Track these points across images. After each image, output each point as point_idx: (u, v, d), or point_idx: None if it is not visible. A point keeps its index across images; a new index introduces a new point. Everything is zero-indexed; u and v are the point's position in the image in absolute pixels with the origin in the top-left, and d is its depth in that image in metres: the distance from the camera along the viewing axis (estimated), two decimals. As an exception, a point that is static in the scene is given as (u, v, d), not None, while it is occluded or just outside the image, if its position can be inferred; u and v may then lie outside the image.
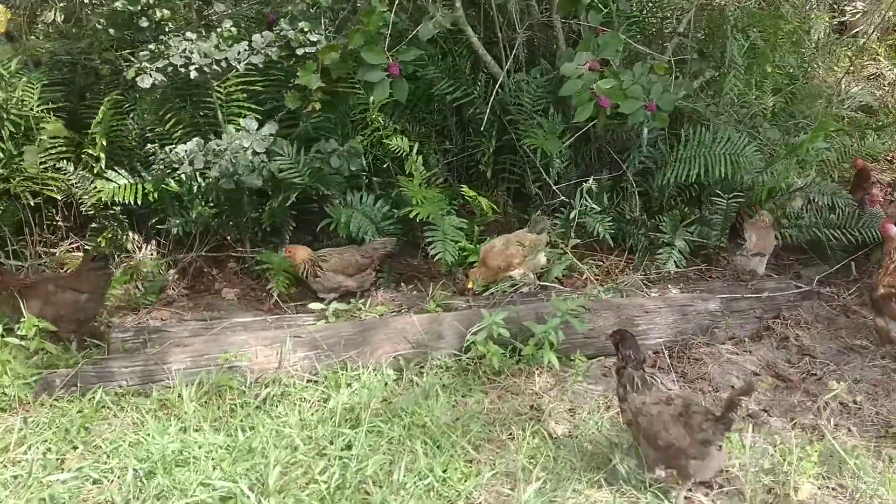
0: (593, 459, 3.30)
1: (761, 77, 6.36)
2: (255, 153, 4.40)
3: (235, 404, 3.65)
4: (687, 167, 5.54)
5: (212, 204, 4.87)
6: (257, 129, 4.53)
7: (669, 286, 5.20)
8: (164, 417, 3.56)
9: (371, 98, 5.08)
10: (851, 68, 8.09)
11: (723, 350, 4.41)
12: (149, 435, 3.38)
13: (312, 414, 3.57)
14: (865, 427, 3.73)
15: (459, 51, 5.77)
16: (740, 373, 4.22)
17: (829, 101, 7.70)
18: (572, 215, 5.04)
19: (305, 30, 4.40)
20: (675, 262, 5.45)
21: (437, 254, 4.85)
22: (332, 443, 3.35)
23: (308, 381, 3.89)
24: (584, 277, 4.93)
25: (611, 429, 3.55)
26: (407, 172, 5.34)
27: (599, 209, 5.55)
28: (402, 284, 5.28)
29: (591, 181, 5.04)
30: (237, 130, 4.46)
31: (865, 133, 7.08)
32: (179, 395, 3.63)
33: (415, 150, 5.34)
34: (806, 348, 4.51)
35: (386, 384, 3.85)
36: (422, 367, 4.00)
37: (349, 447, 3.32)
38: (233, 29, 4.34)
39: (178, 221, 4.77)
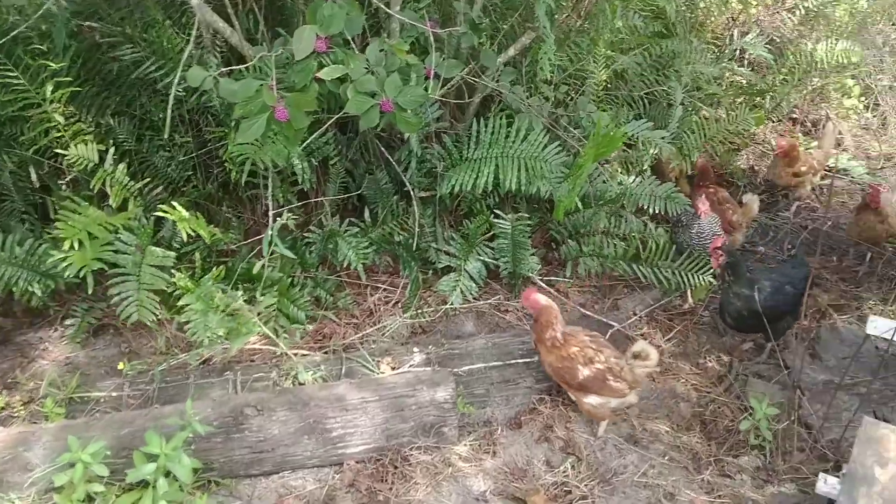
0: None
1: (595, 40, 5.00)
2: None
3: None
4: (474, 173, 4.27)
5: None
6: None
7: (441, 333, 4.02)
8: None
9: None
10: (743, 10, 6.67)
11: (454, 456, 3.26)
12: None
13: None
14: None
15: (178, 18, 4.35)
16: (462, 496, 3.09)
17: (717, 57, 6.38)
18: (257, 268, 3.73)
19: None
20: (462, 292, 4.27)
21: (129, 315, 3.59)
22: None
23: None
24: (279, 354, 3.65)
25: None
26: (95, 190, 4.03)
27: (356, 231, 4.30)
28: (93, 336, 4.05)
29: (284, 215, 3.72)
30: None
31: (737, 104, 5.78)
32: None
33: (109, 159, 4.03)
34: (572, 443, 3.37)
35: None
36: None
37: None
38: None
39: None
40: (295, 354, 3.70)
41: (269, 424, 3.08)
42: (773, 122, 6.65)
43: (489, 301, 4.38)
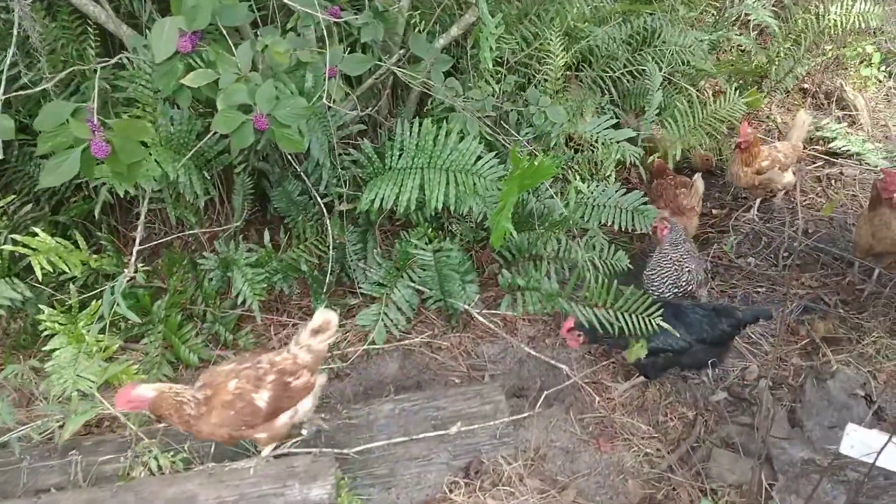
0: None
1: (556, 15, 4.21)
2: None
3: None
4: (396, 186, 3.57)
5: None
6: None
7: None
8: None
9: None
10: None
11: (335, 567, 2.65)
12: None
13: None
14: None
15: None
16: None
17: (715, 22, 5.53)
18: (94, 332, 3.05)
19: None
20: (386, 327, 3.62)
21: None
22: None
23: None
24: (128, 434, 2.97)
25: None
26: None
27: (255, 259, 3.63)
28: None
29: (132, 267, 3.02)
30: None
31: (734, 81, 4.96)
32: None
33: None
34: (486, 544, 2.75)
35: None
36: None
37: None
38: None
39: None
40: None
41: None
42: (777, 95, 5.79)
43: (420, 337, 3.72)
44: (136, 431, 2.86)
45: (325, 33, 3.12)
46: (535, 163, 2.84)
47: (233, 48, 2.98)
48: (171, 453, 2.84)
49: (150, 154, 3.32)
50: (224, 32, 3.00)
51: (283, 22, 3.67)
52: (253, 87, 2.87)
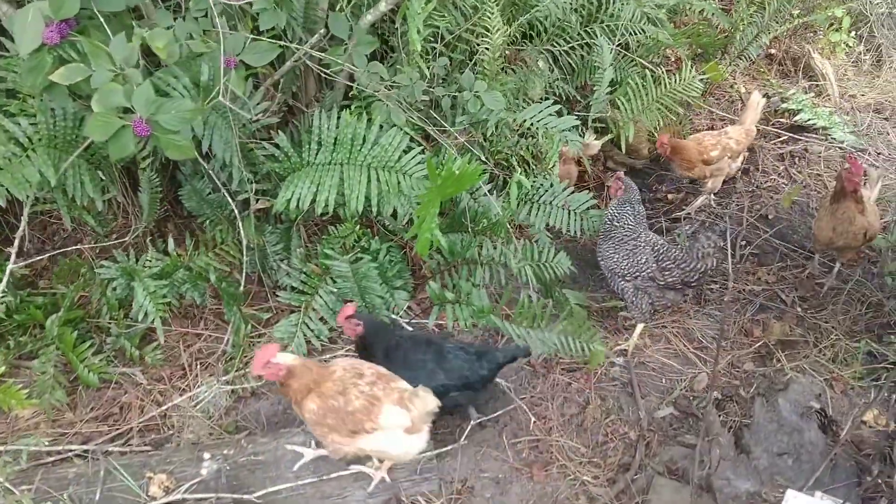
0: None
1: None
2: None
3: None
4: (314, 184, 3.23)
5: None
6: None
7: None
8: None
9: None
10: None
11: None
12: None
13: None
14: None
15: None
16: None
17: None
18: None
19: None
20: (306, 337, 3.32)
21: None
22: None
23: None
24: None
25: None
26: None
27: (158, 269, 3.28)
28: None
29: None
30: None
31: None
32: None
33: None
34: None
35: None
36: None
37: None
38: None
39: None
40: (57, 452, 2.79)
41: None
42: (741, 63, 5.44)
43: (345, 349, 3.41)
44: (2, 482, 2.55)
45: (217, 18, 2.74)
46: (456, 170, 2.50)
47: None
48: (49, 504, 2.55)
49: (28, 156, 2.95)
50: (102, 20, 2.64)
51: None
52: (130, 87, 2.50)
